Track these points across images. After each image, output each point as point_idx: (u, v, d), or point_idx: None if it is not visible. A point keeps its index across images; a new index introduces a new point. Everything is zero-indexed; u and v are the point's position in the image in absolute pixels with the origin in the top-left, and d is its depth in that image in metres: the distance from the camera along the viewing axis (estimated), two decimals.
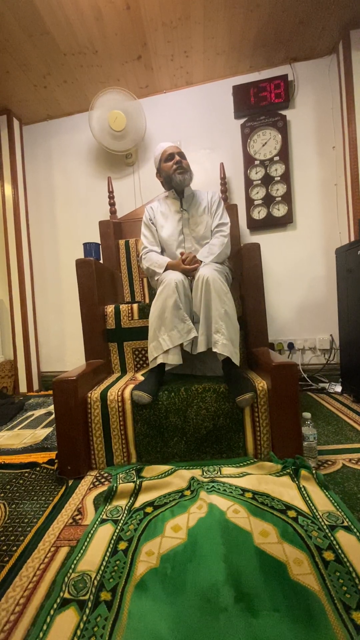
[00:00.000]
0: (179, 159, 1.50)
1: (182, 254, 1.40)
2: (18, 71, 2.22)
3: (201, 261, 1.38)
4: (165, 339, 1.24)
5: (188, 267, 1.35)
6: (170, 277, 1.29)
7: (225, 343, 1.19)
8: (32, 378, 2.60)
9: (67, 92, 2.44)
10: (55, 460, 1.23)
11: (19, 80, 2.29)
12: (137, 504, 0.96)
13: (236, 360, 1.20)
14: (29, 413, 2.01)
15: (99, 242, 2.15)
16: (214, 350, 1.20)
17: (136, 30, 1.99)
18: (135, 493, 1.01)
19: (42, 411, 2.03)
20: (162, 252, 1.57)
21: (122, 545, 0.79)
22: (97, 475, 1.18)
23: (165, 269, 1.39)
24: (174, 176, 1.50)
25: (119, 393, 1.24)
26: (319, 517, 0.85)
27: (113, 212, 2.38)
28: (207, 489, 0.98)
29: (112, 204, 2.38)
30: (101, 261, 2.13)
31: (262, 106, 2.31)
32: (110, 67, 2.26)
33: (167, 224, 1.56)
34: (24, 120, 2.70)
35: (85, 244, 1.96)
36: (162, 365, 1.28)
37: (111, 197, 2.38)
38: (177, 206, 1.56)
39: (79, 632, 0.58)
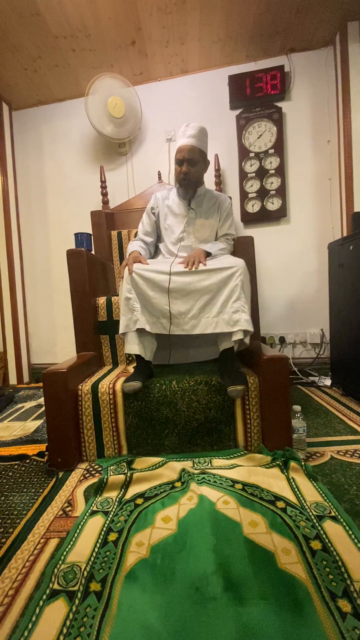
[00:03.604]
0: (187, 170, 1.41)
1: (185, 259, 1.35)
2: (7, 53, 2.14)
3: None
4: (121, 328, 1.29)
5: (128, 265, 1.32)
6: (127, 268, 1.31)
7: (248, 319, 1.19)
8: (22, 370, 2.57)
9: (58, 76, 2.36)
10: (46, 453, 1.22)
11: (8, 62, 2.22)
12: (128, 496, 0.96)
13: (250, 329, 1.20)
14: (19, 405, 1.99)
15: (91, 232, 2.11)
16: (237, 328, 1.18)
17: (130, 14, 1.93)
18: (126, 485, 1.01)
19: (32, 403, 2.01)
20: (160, 241, 1.57)
21: (112, 537, 0.79)
22: (88, 467, 1.17)
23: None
24: (178, 185, 1.48)
25: (110, 385, 1.23)
26: (307, 507, 0.86)
27: (105, 203, 2.34)
28: (198, 480, 0.99)
29: (104, 194, 2.33)
30: (93, 252, 2.09)
31: (257, 97, 2.27)
32: (104, 52, 2.19)
33: (172, 217, 1.53)
34: (14, 105, 2.61)
35: (76, 234, 1.92)
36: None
37: (104, 186, 2.33)
38: (185, 204, 1.53)
39: (68, 623, 0.58)
